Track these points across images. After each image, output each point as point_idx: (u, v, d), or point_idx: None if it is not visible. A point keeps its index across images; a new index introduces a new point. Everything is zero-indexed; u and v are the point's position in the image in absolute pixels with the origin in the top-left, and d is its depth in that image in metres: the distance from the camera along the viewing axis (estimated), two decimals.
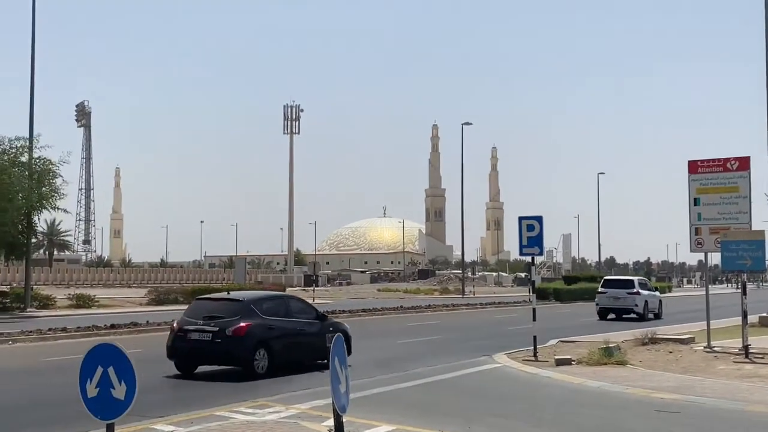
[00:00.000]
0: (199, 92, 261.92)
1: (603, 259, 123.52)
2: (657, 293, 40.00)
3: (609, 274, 76.54)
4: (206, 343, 15.42)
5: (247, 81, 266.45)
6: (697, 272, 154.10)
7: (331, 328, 17.37)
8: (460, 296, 66.92)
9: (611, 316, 36.75)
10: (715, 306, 40.88)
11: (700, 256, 22.66)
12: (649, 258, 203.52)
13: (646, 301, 37.13)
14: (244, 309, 15.92)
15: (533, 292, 20.97)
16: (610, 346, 18.32)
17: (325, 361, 14.24)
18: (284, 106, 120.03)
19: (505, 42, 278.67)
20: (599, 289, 38.64)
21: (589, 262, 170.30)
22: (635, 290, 37.08)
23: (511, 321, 34.21)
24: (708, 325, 21.11)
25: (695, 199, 20.93)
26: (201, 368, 16.16)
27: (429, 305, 46.33)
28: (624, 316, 36.61)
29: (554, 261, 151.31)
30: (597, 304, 37.81)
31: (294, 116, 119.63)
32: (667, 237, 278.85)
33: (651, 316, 36.89)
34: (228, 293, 17.95)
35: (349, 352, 16.25)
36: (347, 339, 17.08)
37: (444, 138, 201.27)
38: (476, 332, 28.38)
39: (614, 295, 37.12)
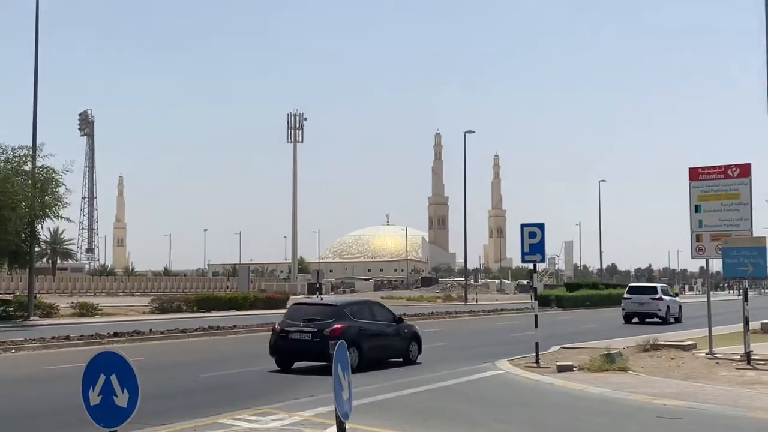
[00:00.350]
0: (202, 100, 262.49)
1: (605, 266, 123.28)
2: (677, 299, 42.24)
3: (610, 281, 76.21)
4: (306, 342, 17.70)
5: (251, 89, 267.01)
6: (699, 279, 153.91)
7: (405, 330, 19.98)
8: (463, 303, 66.92)
9: (635, 320, 38.86)
10: (717, 312, 40.87)
11: (702, 262, 22.71)
12: (650, 265, 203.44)
13: (668, 306, 39.20)
14: (338, 313, 18.14)
15: (535, 299, 20.97)
16: (612, 352, 18.31)
17: (401, 359, 19.36)
18: (288, 115, 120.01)
19: (507, 50, 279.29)
20: (625, 295, 40.93)
21: (590, 269, 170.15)
22: (658, 296, 39.41)
23: (514, 328, 34.18)
24: (710, 331, 21.09)
25: (696, 206, 20.94)
26: (211, 373, 16.14)
27: (432, 312, 46.33)
28: (647, 320, 38.50)
29: (556, 268, 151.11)
30: (623, 309, 39.96)
31: (297, 125, 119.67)
32: (669, 244, 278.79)
33: (672, 320, 38.72)
34: (321, 299, 21.29)
35: (420, 351, 20.14)
36: (418, 339, 20.33)
37: (447, 146, 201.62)
38: (479, 339, 28.35)
39: (639, 300, 39.38)
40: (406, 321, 20.03)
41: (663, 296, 39.67)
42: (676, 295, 43.44)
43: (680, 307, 41.08)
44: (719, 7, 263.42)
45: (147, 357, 19.93)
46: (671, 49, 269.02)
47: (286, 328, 18.07)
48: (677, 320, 39.13)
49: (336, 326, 17.57)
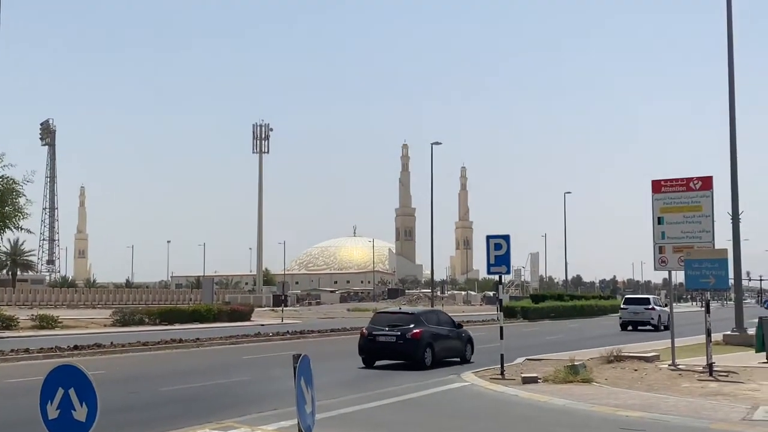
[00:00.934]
0: (165, 110, 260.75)
1: (570, 277, 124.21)
2: (666, 309, 45.23)
3: (575, 293, 76.59)
4: (391, 344, 21.51)
5: (216, 98, 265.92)
6: (662, 290, 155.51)
7: (463, 334, 23.85)
8: None
9: (629, 327, 43.66)
10: (680, 324, 41.48)
11: (665, 274, 22.95)
12: (615, 276, 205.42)
13: (659, 315, 43.86)
14: (416, 319, 22.01)
15: (501, 311, 21.04)
16: (576, 364, 18.43)
17: (458, 359, 23.04)
18: (253, 126, 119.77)
19: (474, 63, 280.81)
20: (621, 306, 46.68)
21: (556, 281, 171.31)
22: (651, 306, 44.63)
23: (479, 339, 34.09)
24: (672, 343, 21.33)
25: (659, 218, 21.18)
26: (173, 386, 16.01)
27: None
28: (639, 327, 43.27)
29: (522, 279, 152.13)
30: (620, 318, 45.12)
31: (263, 135, 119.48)
32: (633, 255, 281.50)
33: (662, 327, 42.27)
34: (400, 308, 26.76)
35: (473, 352, 23.96)
36: (472, 342, 24.24)
37: (414, 157, 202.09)
38: None
39: (634, 310, 44.50)
40: (460, 327, 24.01)
41: (655, 306, 44.62)
42: (666, 305, 46.99)
43: (669, 316, 42.40)
44: (680, 26, 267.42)
45: (108, 370, 19.72)
46: (636, 63, 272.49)
47: (373, 332, 21.81)
48: (666, 328, 41.10)
49: (416, 331, 21.49)
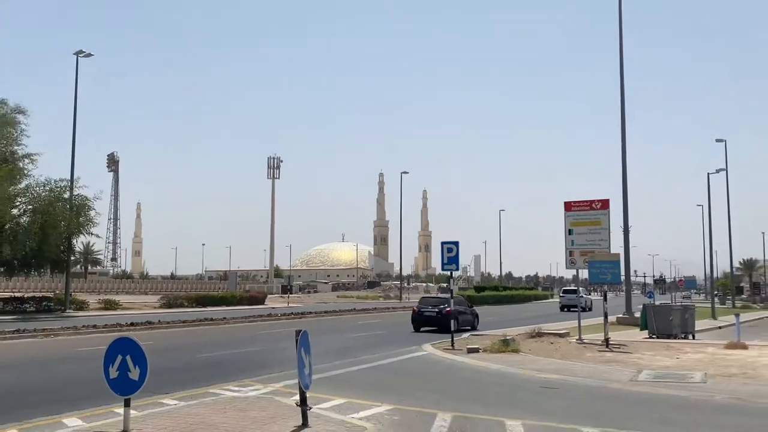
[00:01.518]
0: (205, 145, 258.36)
1: (504, 273, 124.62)
2: (591, 296, 52.89)
3: (507, 285, 76.78)
4: (433, 317, 25.98)
5: (240, 135, 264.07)
6: (572, 284, 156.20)
7: (473, 311, 28.51)
8: (398, 301, 66.91)
9: (565, 309, 47.33)
10: (558, 312, 41.86)
11: (574, 271, 23.05)
12: (537, 272, 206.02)
13: (585, 301, 47.20)
14: (447, 301, 24.43)
15: (452, 298, 21.01)
16: (507, 338, 18.46)
17: (469, 327, 26.92)
18: (268, 158, 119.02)
19: (430, 102, 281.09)
20: (560, 294, 53.23)
21: (493, 276, 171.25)
22: (580, 295, 48.25)
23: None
24: (579, 323, 21.43)
25: (570, 229, 21.31)
26: (205, 354, 15.80)
27: (375, 308, 46.26)
28: (572, 309, 45.36)
29: (468, 275, 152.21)
30: (560, 302, 50.45)
31: (275, 165, 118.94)
32: (550, 256, 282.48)
33: (587, 309, 45.39)
34: (437, 294, 30.25)
35: (478, 323, 28.19)
36: (478, 317, 28.76)
37: (388, 182, 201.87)
38: (410, 328, 28.35)
39: (568, 298, 49.62)
40: (472, 307, 28.99)
41: (583, 295, 48.42)
42: (590, 293, 54.59)
43: (592, 302, 50.32)
44: (574, 53, 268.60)
45: (156, 341, 19.50)
46: (544, 102, 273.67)
47: (421, 309, 26.46)
48: (590, 309, 45.38)
49: (448, 309, 24.11)
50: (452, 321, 23.85)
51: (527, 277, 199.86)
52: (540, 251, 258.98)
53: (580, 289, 51.29)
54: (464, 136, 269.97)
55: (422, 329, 26.10)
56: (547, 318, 37.06)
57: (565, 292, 52.29)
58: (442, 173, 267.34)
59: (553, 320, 33.64)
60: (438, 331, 24.89)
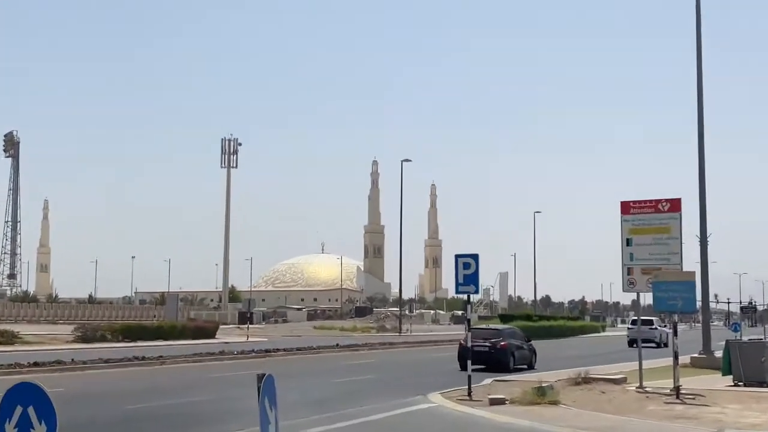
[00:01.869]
0: (130, 122, 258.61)
1: (539, 297, 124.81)
2: (667, 329, 52.82)
3: (544, 313, 77.36)
4: (485, 352, 28.52)
5: (182, 111, 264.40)
6: (631, 312, 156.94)
7: (530, 347, 31.39)
8: (397, 334, 66.96)
9: (634, 345, 51.27)
10: (627, 348, 42.13)
11: (634, 295, 23.13)
12: (584, 297, 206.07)
13: (661, 334, 51.42)
14: (502, 334, 30.00)
15: (469, 331, 21.10)
16: (544, 385, 18.52)
17: (526, 365, 29.91)
18: (222, 140, 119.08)
19: (444, 77, 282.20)
20: (629, 326, 59.93)
21: (525, 301, 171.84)
22: (654, 326, 52.94)
23: (448, 360, 34.25)
24: (640, 365, 21.48)
25: (627, 239, 21.38)
26: (134, 405, 15.82)
27: (366, 343, 46.28)
28: (644, 345, 47.38)
29: (491, 299, 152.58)
30: (628, 336, 53.42)
31: (231, 150, 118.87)
32: (602, 276, 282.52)
33: (663, 345, 48.81)
34: (488, 326, 35.89)
35: (536, 361, 31.02)
36: (536, 354, 31.60)
37: (384, 174, 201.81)
38: (412, 371, 28.38)
39: (641, 330, 49.25)
40: (529, 341, 31.77)
41: (658, 327, 53.31)
42: (665, 325, 55.03)
43: (668, 335, 50.30)
44: (651, 35, 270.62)
45: (68, 388, 19.46)
46: (605, 81, 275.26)
47: (470, 343, 25.73)
48: (666, 345, 47.50)
49: (503, 343, 29.07)
50: (509, 357, 28.31)
51: (571, 302, 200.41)
52: (588, 268, 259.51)
53: (655, 319, 55.18)
54: (483, 117, 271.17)
55: (472, 367, 27.45)
56: (597, 358, 37.14)
57: (636, 322, 55.29)
58: (456, 163, 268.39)
59: (604, 360, 33.73)
60: (488, 370, 27.23)
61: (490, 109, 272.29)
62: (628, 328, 56.72)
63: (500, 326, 34.07)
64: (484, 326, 34.61)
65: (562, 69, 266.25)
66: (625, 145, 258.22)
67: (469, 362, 20.61)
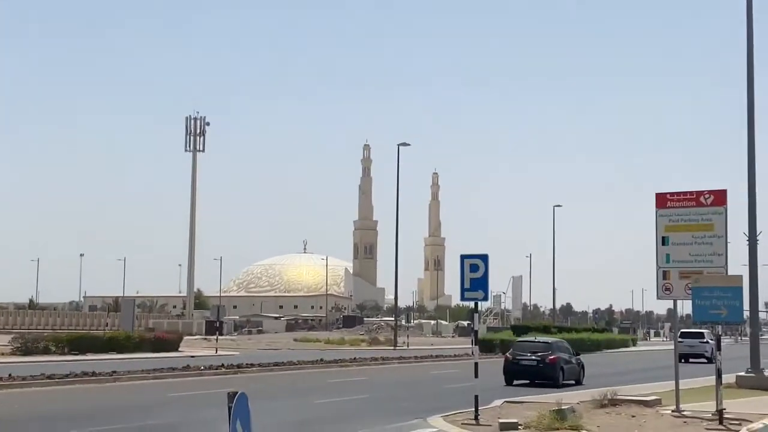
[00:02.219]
0: (80, 101, 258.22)
1: (558, 305, 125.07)
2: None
3: (564, 324, 77.74)
4: (532, 366, 31.29)
5: (141, 87, 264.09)
6: (666, 323, 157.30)
7: (579, 361, 33.49)
8: (392, 348, 66.93)
9: (682, 360, 50.67)
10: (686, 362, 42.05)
11: (669, 303, 23.15)
12: (611, 305, 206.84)
13: (713, 348, 50.09)
14: (551, 347, 32.02)
15: (476, 344, 21.10)
16: (564, 408, 18.50)
17: (574, 381, 31.92)
18: (186, 119, 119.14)
19: (448, 54, 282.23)
20: (677, 339, 54.50)
21: (542, 310, 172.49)
22: (705, 340, 54.30)
23: (451, 378, 34.34)
24: (677, 384, 21.48)
25: (663, 237, 21.36)
26: (83, 429, 15.78)
27: (355, 358, 46.27)
28: (692, 360, 52.81)
29: (502, 307, 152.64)
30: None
31: (198, 130, 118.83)
32: (633, 281, 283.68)
33: (714, 360, 49.61)
34: (536, 338, 35.91)
35: (584, 376, 33.14)
36: (584, 369, 33.83)
37: (377, 161, 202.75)
38: (409, 391, 28.34)
39: (689, 343, 54.74)
40: (578, 355, 34.06)
41: (709, 340, 52.18)
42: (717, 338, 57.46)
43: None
44: (691, 21, 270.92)
45: (5, 407, 19.42)
46: (640, 62, 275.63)
47: (517, 356, 31.79)
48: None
49: (552, 357, 31.19)
50: (559, 371, 30.87)
51: (596, 312, 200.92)
52: (617, 272, 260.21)
53: (705, 332, 56.29)
54: (493, 98, 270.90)
55: (515, 382, 31.28)
56: (626, 376, 37.18)
57: (685, 335, 56.45)
58: (462, 150, 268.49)
59: (635, 379, 33.78)
60: (534, 385, 29.69)
61: (501, 88, 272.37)
62: (678, 342, 58.74)
63: (549, 338, 36.56)
64: (531, 338, 37.01)
65: (587, 48, 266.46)
66: (661, 132, 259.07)
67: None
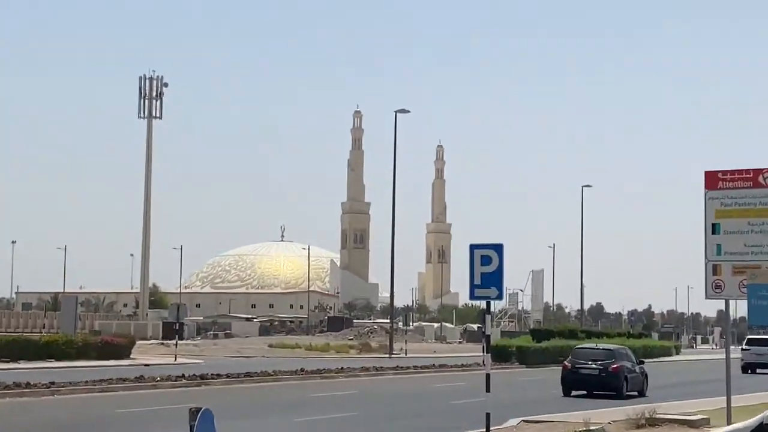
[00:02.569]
0: (8, 59, 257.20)
1: (587, 306, 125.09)
2: None
3: (593, 328, 77.60)
4: (594, 376, 33.83)
5: (86, 39, 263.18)
6: (717, 327, 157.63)
7: (642, 370, 35.67)
8: (387, 356, 67.07)
9: (749, 371, 54.43)
10: (739, 374, 42.55)
11: (720, 304, 23.15)
12: (650, 306, 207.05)
13: None
14: (614, 355, 34.58)
15: (488, 351, 21.14)
16: (592, 428, 18.57)
17: (637, 392, 33.97)
18: (140, 79, 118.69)
19: (455, 6, 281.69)
20: (743, 347, 59.97)
21: (568, 311, 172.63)
22: None
23: (457, 392, 34.40)
24: (728, 401, 21.51)
25: (714, 225, 21.33)
26: None
27: (342, 368, 46.33)
28: (759, 371, 54.37)
29: (520, 308, 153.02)
30: (741, 359, 56.57)
31: (154, 93, 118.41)
32: (676, 278, 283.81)
33: None
34: (597, 345, 39.71)
35: (647, 387, 35.45)
36: (647, 378, 35.89)
37: (370, 132, 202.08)
38: (408, 407, 28.45)
39: (757, 351, 57.25)
40: (641, 363, 36.50)
41: None
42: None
43: None
44: None
45: None
46: (683, 18, 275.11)
47: (576, 365, 34.45)
48: None
49: (615, 365, 33.46)
50: (623, 382, 33.06)
51: (631, 313, 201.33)
52: (657, 267, 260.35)
53: None
54: (511, 55, 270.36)
55: (575, 393, 34.01)
56: (667, 389, 37.30)
57: (752, 342, 59.86)
58: (471, 118, 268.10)
59: (681, 393, 33.86)
60: (595, 396, 32.02)
61: (519, 47, 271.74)
62: (742, 350, 59.52)
63: (612, 346, 39.61)
64: (592, 345, 40.38)
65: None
66: (714, 100, 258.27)
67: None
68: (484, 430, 19.08)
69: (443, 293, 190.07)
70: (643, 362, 37.26)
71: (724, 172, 21.60)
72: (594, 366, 33.77)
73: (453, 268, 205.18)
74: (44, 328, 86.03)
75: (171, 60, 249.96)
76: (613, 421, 21.76)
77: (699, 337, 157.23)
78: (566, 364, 35.26)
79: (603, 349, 36.58)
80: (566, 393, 33.98)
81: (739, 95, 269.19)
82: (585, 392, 33.69)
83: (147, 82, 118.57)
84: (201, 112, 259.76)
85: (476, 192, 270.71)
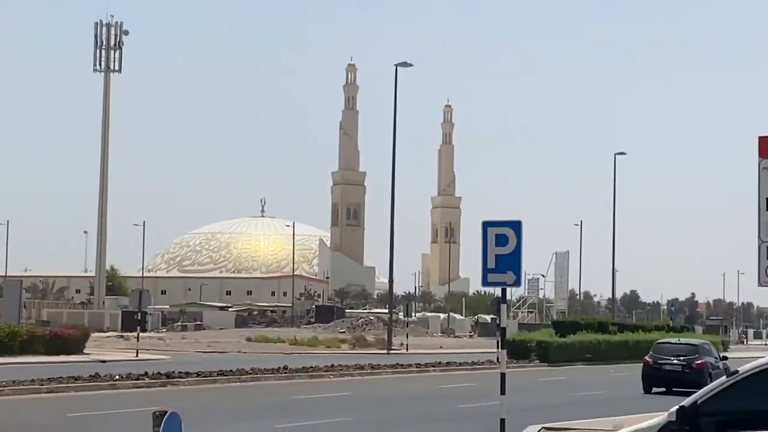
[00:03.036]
0: None
1: (620, 294, 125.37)
2: None
3: (627, 320, 77.80)
4: (677, 372, 37.13)
5: None
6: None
7: (726, 365, 35.23)
8: (385, 352, 67.32)
9: None
10: None
11: None
12: (693, 295, 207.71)
13: None
14: (698, 350, 38.14)
15: (503, 347, 21.20)
16: None
17: None
18: (96, 24, 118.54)
19: None
20: None
21: (597, 300, 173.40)
22: None
23: (466, 394, 34.55)
24: None
25: None
26: None
27: (332, 366, 46.46)
28: None
29: (541, 296, 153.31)
30: None
31: (113, 43, 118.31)
32: (724, 262, 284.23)
33: None
34: (679, 340, 42.25)
35: None
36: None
37: (366, 89, 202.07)
38: (408, 412, 28.58)
39: None
40: (725, 359, 39.10)
41: None
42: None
43: None
44: None
45: None
46: None
47: (658, 360, 37.80)
48: None
49: (700, 361, 36.81)
50: (707, 379, 33.24)
51: (671, 303, 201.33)
52: (702, 250, 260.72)
53: None
54: (531, 11, 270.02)
55: (656, 390, 37.00)
56: None
57: None
58: (485, 75, 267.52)
59: None
60: (676, 393, 32.83)
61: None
62: None
63: (695, 341, 43.37)
64: (674, 340, 42.73)
65: None
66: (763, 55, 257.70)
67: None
68: None
69: (451, 279, 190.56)
70: (726, 358, 39.98)
71: None
72: (677, 362, 37.17)
73: (463, 250, 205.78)
74: None
75: (131, 4, 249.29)
76: (648, 427, 21.82)
77: (750, 331, 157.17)
78: (647, 359, 38.61)
79: (686, 344, 39.85)
80: (647, 390, 37.30)
81: None
82: (664, 389, 36.48)
83: (104, 29, 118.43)
84: (166, 64, 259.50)
85: (490, 160, 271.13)
